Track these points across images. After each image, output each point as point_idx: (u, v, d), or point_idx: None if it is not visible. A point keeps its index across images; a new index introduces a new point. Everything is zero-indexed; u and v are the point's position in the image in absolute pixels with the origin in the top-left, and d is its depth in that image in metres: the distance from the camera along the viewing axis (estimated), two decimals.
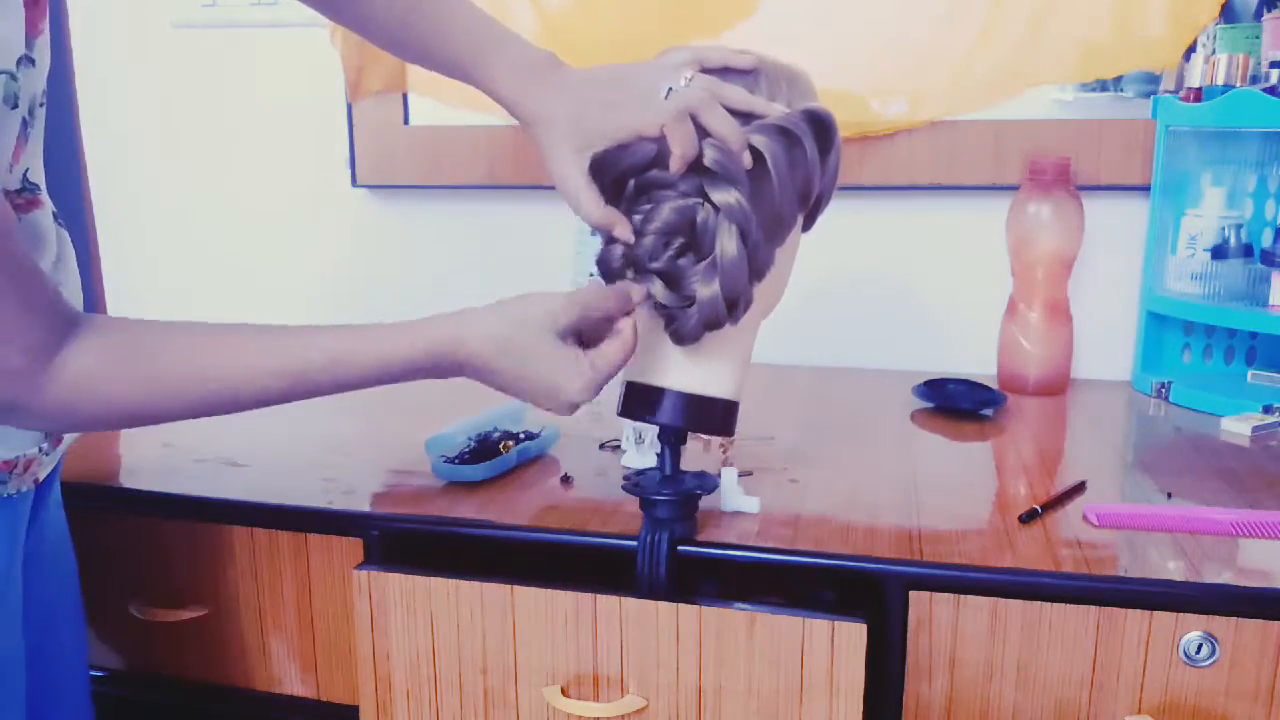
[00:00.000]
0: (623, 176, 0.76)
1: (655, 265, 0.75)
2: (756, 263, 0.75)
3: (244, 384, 0.66)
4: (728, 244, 0.73)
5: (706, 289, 0.74)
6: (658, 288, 0.75)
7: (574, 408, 0.74)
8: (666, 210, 0.74)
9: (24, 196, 0.69)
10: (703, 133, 0.73)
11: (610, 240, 0.77)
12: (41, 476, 0.76)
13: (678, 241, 0.75)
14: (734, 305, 0.75)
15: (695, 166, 0.73)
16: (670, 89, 0.73)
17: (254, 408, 0.68)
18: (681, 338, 0.77)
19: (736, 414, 0.82)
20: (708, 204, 0.74)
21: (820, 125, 0.76)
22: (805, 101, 0.78)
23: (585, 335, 0.74)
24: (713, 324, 0.76)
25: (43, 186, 0.72)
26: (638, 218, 0.76)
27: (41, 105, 0.69)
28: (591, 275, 1.26)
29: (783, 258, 0.79)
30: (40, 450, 0.74)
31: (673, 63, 0.76)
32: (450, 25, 0.82)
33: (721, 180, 0.73)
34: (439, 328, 0.71)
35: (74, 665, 0.87)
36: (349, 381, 0.69)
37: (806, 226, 0.82)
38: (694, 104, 0.73)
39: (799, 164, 0.75)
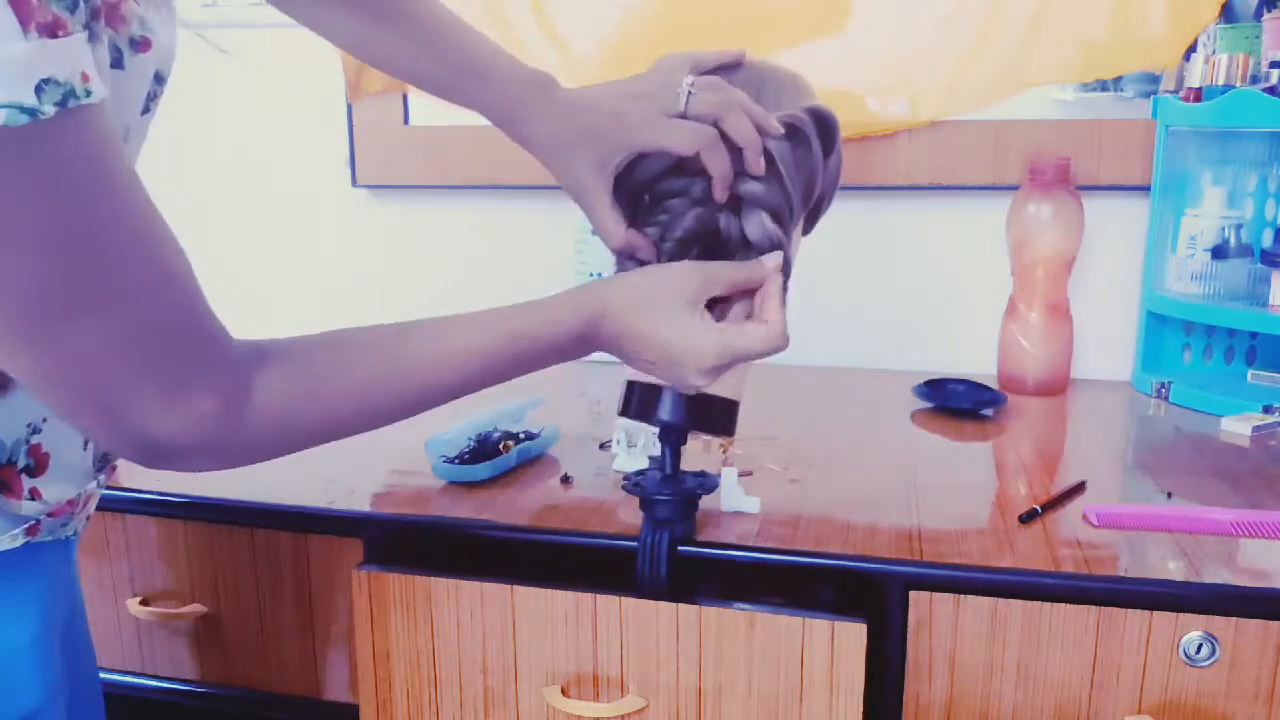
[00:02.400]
0: (639, 190, 0.75)
1: None
2: (785, 267, 0.75)
3: (436, 376, 0.65)
4: (756, 231, 0.73)
5: None
6: None
7: (698, 385, 0.72)
8: (689, 218, 0.73)
9: None
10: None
11: (629, 258, 0.76)
12: (93, 509, 0.72)
13: (695, 250, 0.74)
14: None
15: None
16: (690, 91, 0.72)
17: (447, 400, 0.66)
18: None
19: (737, 414, 0.82)
20: (726, 210, 0.73)
21: (824, 124, 0.76)
22: (807, 100, 0.78)
23: (720, 312, 0.73)
24: None
25: None
26: (655, 229, 0.75)
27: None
28: (592, 276, 1.26)
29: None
30: (97, 484, 0.71)
31: (669, 67, 0.75)
32: (463, 48, 0.79)
33: (744, 176, 0.73)
34: (589, 288, 0.71)
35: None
36: (523, 358, 0.68)
37: (807, 229, 0.82)
38: (718, 111, 0.72)
39: (804, 163, 0.75)
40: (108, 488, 0.95)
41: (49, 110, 0.44)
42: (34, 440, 0.63)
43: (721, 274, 0.71)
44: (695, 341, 0.69)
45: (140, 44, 0.58)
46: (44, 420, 0.63)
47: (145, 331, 0.52)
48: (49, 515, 0.65)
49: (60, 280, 0.48)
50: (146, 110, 0.62)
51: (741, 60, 0.78)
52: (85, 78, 0.46)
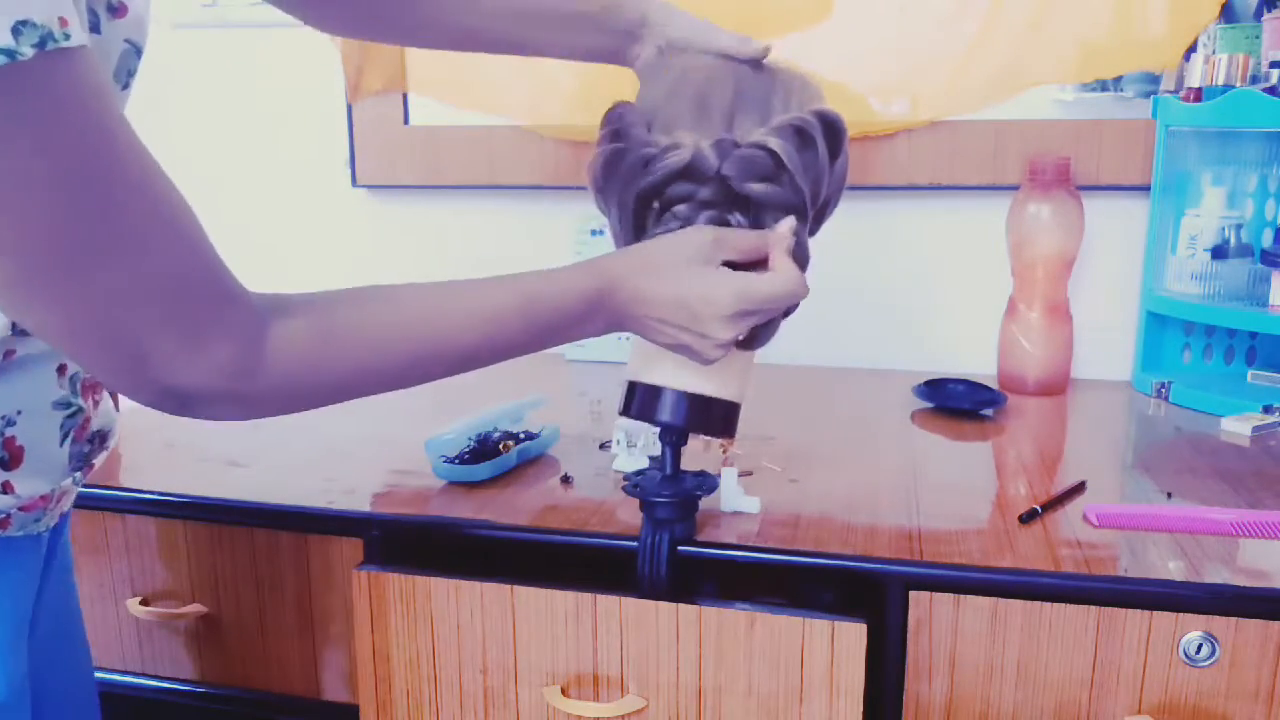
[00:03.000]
0: (647, 198, 0.76)
1: None
2: (802, 255, 0.76)
3: (452, 332, 0.66)
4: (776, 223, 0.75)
5: None
6: None
7: (720, 344, 0.71)
8: (702, 220, 0.74)
9: None
10: (733, 153, 0.74)
11: None
12: (68, 507, 0.72)
13: None
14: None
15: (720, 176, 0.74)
16: None
17: (463, 365, 0.67)
18: (754, 339, 0.76)
19: (738, 416, 0.82)
20: (736, 213, 0.74)
21: (831, 128, 0.76)
22: (815, 104, 0.78)
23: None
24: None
25: None
26: (662, 231, 0.75)
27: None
28: None
29: None
30: (73, 481, 0.70)
31: None
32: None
33: (754, 176, 0.74)
34: (602, 256, 0.72)
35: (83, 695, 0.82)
36: (538, 323, 0.68)
37: (811, 232, 0.82)
38: None
39: (810, 165, 0.75)
40: (109, 488, 0.95)
41: (27, 51, 0.45)
42: (8, 433, 0.63)
43: (733, 238, 0.72)
44: (711, 289, 0.69)
45: (117, 10, 0.58)
46: (18, 413, 0.63)
47: (160, 282, 0.53)
48: (20, 510, 0.64)
49: (69, 227, 0.49)
50: (125, 86, 0.62)
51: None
52: (64, 22, 0.46)
